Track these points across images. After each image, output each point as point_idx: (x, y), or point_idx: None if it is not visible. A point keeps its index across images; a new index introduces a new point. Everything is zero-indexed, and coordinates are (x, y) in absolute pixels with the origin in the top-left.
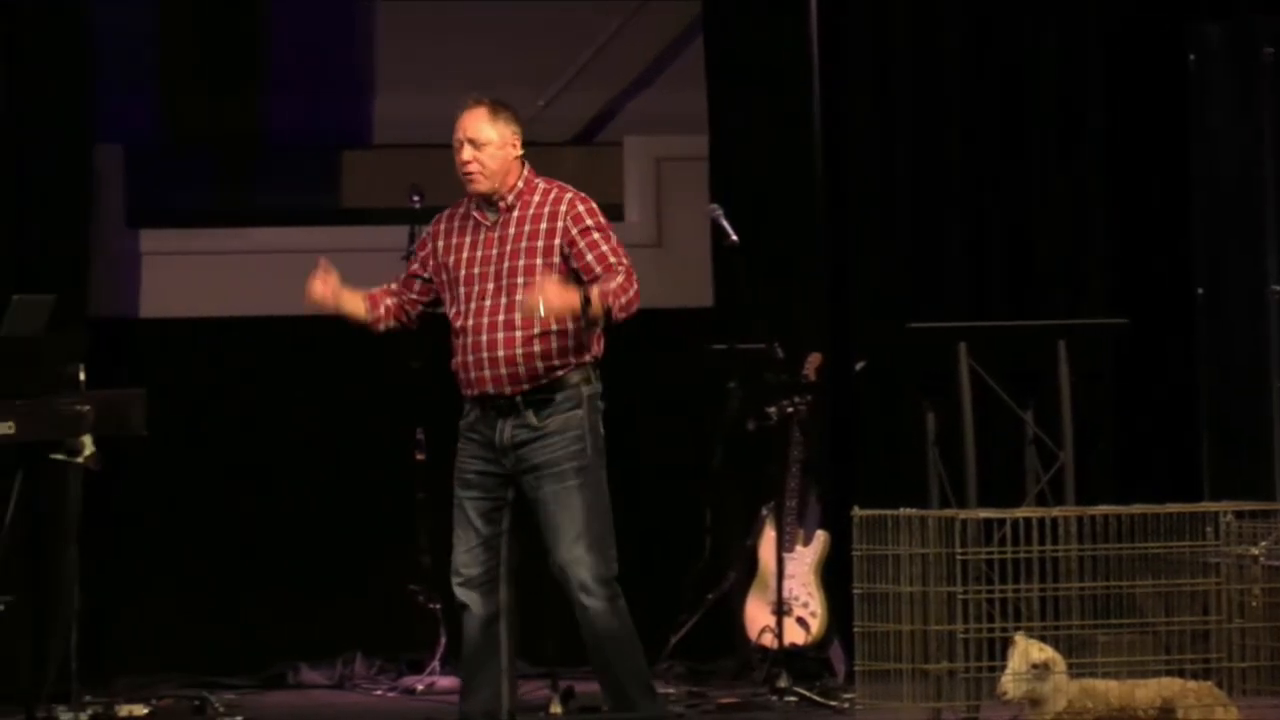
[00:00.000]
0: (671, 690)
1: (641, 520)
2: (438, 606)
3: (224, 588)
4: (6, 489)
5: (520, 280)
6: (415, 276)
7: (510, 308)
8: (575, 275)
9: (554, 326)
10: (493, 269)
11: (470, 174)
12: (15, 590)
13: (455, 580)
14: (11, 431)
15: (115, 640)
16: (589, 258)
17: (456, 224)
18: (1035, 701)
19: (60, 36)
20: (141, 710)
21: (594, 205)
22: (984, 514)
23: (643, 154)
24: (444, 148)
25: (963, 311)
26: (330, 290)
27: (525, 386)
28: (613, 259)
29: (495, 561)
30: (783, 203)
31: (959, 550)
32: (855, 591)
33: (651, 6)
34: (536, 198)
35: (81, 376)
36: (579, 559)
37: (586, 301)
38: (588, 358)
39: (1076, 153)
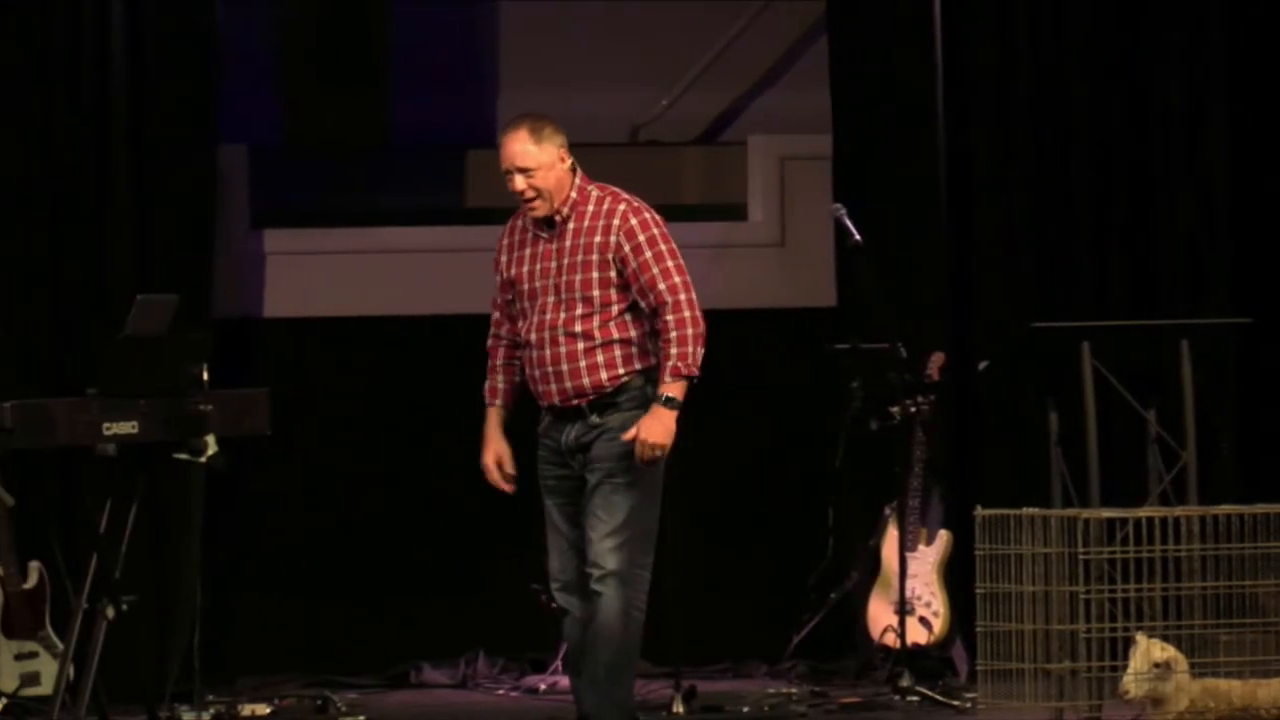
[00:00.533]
0: (794, 690)
1: (765, 520)
2: (560, 605)
3: (347, 587)
4: (130, 489)
5: (579, 294)
6: (505, 305)
7: (570, 321)
8: (627, 286)
9: (616, 335)
10: (551, 282)
11: (529, 202)
12: (139, 589)
13: (553, 586)
14: (135, 431)
15: (238, 639)
16: (642, 282)
17: (518, 236)
18: (1157, 701)
19: (185, 37)
20: (264, 709)
21: (646, 215)
22: (1106, 513)
23: (767, 153)
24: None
25: (1086, 311)
26: (506, 460)
27: (591, 396)
28: (663, 285)
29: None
30: (906, 202)
31: (1081, 550)
32: (978, 591)
33: (776, 6)
34: (590, 207)
35: (205, 376)
36: (609, 551)
37: (672, 398)
38: (653, 361)
39: (1199, 150)
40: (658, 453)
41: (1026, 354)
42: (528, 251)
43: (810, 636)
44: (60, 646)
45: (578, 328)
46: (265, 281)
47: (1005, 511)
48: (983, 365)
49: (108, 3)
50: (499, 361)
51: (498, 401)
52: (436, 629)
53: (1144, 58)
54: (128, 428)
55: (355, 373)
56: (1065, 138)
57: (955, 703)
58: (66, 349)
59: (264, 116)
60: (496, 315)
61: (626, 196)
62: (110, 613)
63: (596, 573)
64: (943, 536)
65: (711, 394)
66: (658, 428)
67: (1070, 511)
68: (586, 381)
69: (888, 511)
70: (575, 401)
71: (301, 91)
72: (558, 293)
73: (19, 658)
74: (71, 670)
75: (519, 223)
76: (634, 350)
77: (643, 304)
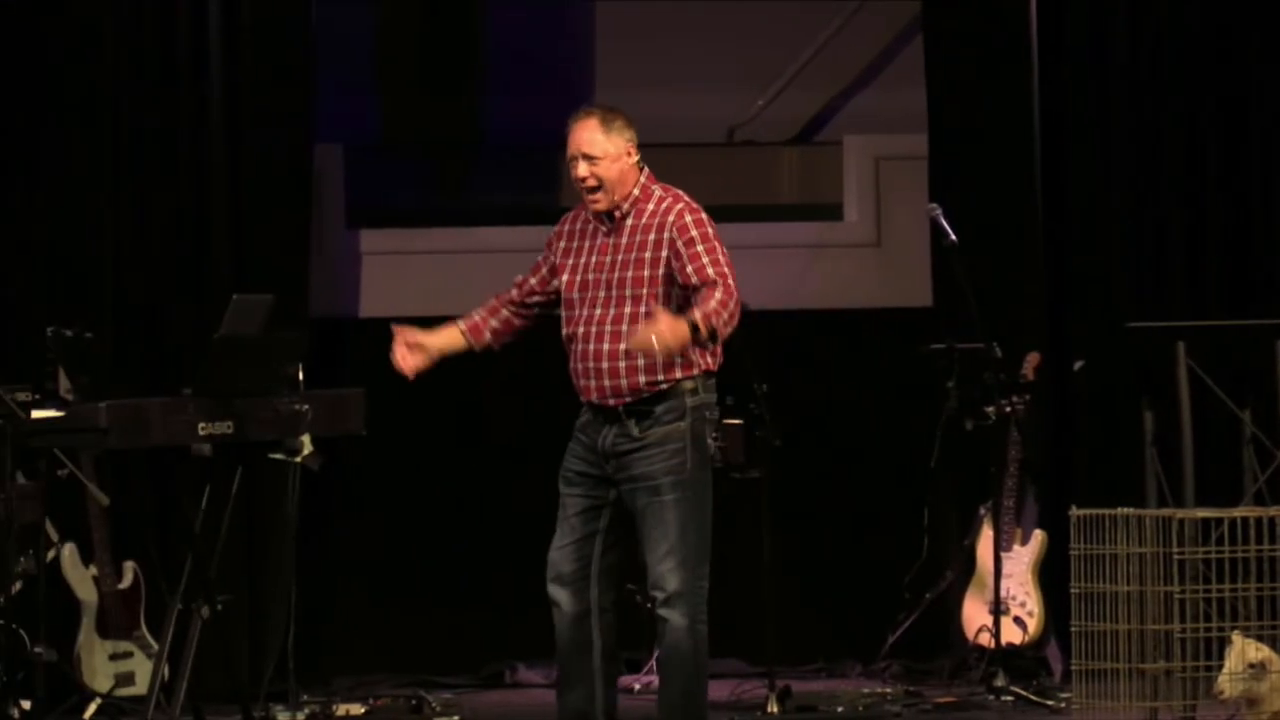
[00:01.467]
0: (889, 690)
1: (860, 520)
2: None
3: (442, 587)
4: (225, 488)
5: (629, 292)
6: (534, 274)
7: (618, 319)
8: (680, 286)
9: None
10: (604, 277)
11: (589, 189)
12: (233, 589)
13: (548, 575)
14: (231, 431)
15: (333, 639)
16: (689, 269)
17: (578, 226)
18: (1252, 701)
19: (281, 37)
20: (359, 709)
21: (702, 215)
22: (1201, 513)
23: (862, 153)
24: (662, 147)
25: (1181, 310)
26: (417, 354)
27: (628, 399)
28: (711, 270)
29: (588, 560)
30: (1002, 202)
31: (1176, 550)
32: (1072, 591)
33: (872, 5)
34: (650, 206)
35: (300, 376)
36: (669, 573)
37: (695, 328)
38: (695, 370)
39: None
40: (651, 339)
41: (1122, 353)
42: (585, 244)
43: (905, 636)
44: (155, 646)
45: (624, 326)
46: (361, 281)
47: (1100, 511)
48: (1078, 365)
49: (204, 2)
50: (490, 305)
51: (459, 325)
52: (531, 628)
53: (1242, 55)
54: (223, 428)
55: (450, 373)
56: (1162, 136)
57: (1049, 703)
58: (163, 349)
59: (360, 116)
60: (518, 277)
61: (686, 198)
62: (205, 612)
63: (660, 595)
64: (1037, 536)
65: (806, 393)
66: (671, 331)
67: (1165, 511)
68: (625, 382)
69: (983, 511)
70: (613, 402)
71: (398, 91)
72: (608, 289)
73: (114, 658)
74: (166, 670)
75: (584, 213)
76: (677, 358)
77: (684, 288)
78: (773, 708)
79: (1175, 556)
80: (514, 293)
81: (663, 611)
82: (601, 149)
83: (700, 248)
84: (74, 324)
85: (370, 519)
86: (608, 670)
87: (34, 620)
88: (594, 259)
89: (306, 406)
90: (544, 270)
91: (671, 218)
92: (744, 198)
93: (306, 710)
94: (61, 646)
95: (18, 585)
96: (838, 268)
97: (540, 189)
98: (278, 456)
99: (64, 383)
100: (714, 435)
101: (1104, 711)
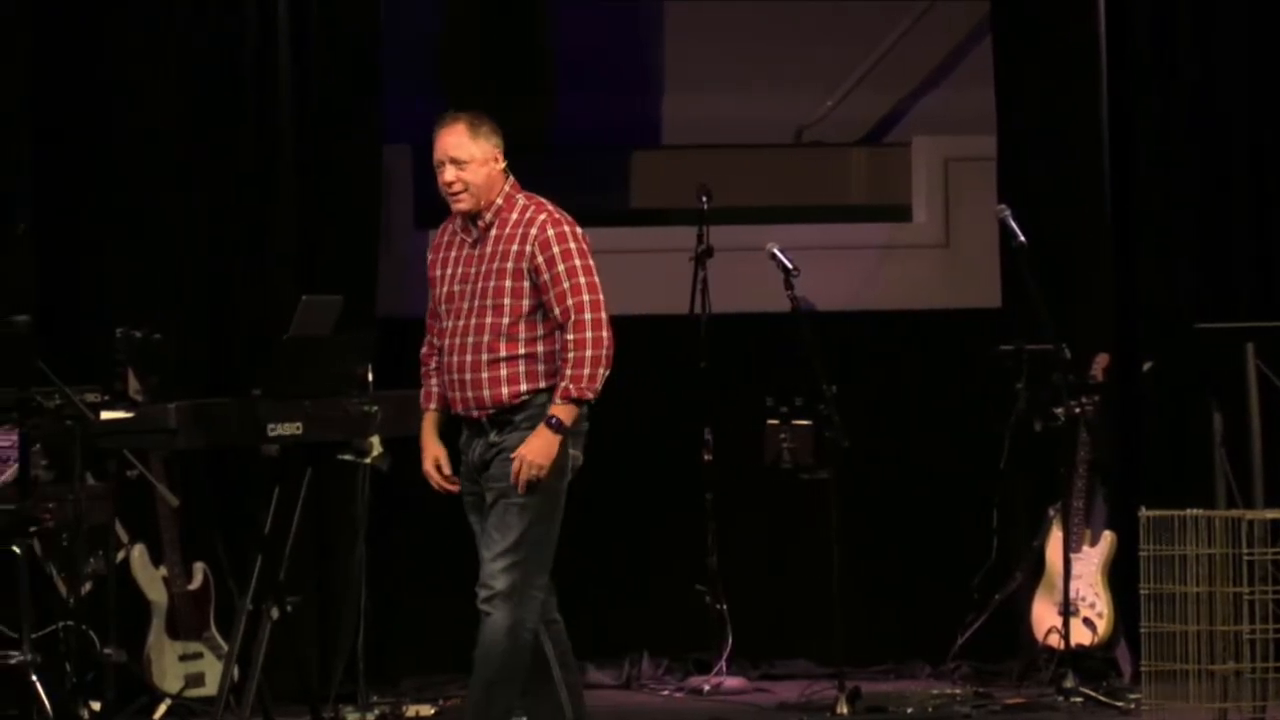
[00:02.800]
0: (958, 690)
1: (929, 521)
2: (725, 607)
3: None
4: (294, 489)
5: (490, 302)
6: (435, 301)
7: (480, 329)
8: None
9: (521, 350)
10: (469, 288)
11: (455, 194)
12: (303, 590)
13: (481, 593)
14: (299, 432)
15: (402, 640)
16: (554, 307)
17: (446, 238)
18: None
19: (350, 38)
20: (428, 711)
21: (566, 229)
22: (1270, 514)
23: (931, 154)
24: (733, 148)
25: (1250, 311)
26: (444, 463)
27: (490, 410)
28: (570, 301)
29: None
30: (1071, 203)
31: (1246, 551)
32: (1142, 592)
33: (941, 6)
34: (514, 215)
35: (369, 377)
36: (500, 572)
37: (558, 420)
38: (558, 380)
39: None
40: (534, 472)
41: (1190, 354)
42: (453, 254)
43: (974, 637)
44: (225, 647)
45: (485, 337)
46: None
47: (1169, 512)
48: (1147, 366)
49: (272, 4)
50: (431, 368)
51: (432, 405)
52: (601, 630)
53: None
54: (292, 428)
55: None
56: (1231, 136)
57: (1119, 704)
58: (231, 349)
59: (430, 116)
60: (429, 322)
61: (551, 208)
62: (275, 613)
63: (484, 593)
64: (1107, 537)
65: (874, 395)
66: (537, 446)
67: (1234, 512)
68: (487, 394)
69: (1052, 512)
70: (476, 414)
71: (466, 91)
72: (472, 299)
73: (184, 658)
74: (236, 671)
75: (451, 225)
76: (539, 367)
77: (552, 317)
78: (842, 709)
79: (1244, 557)
80: (437, 348)
81: (485, 607)
82: (468, 153)
83: (562, 268)
84: (143, 325)
85: (438, 520)
86: (569, 679)
87: (104, 621)
88: (459, 270)
89: (375, 407)
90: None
91: (534, 230)
92: (812, 198)
93: (376, 711)
94: (131, 647)
95: (88, 586)
96: (906, 269)
97: (608, 189)
98: (347, 457)
99: (133, 384)
100: (574, 452)
101: (1173, 713)
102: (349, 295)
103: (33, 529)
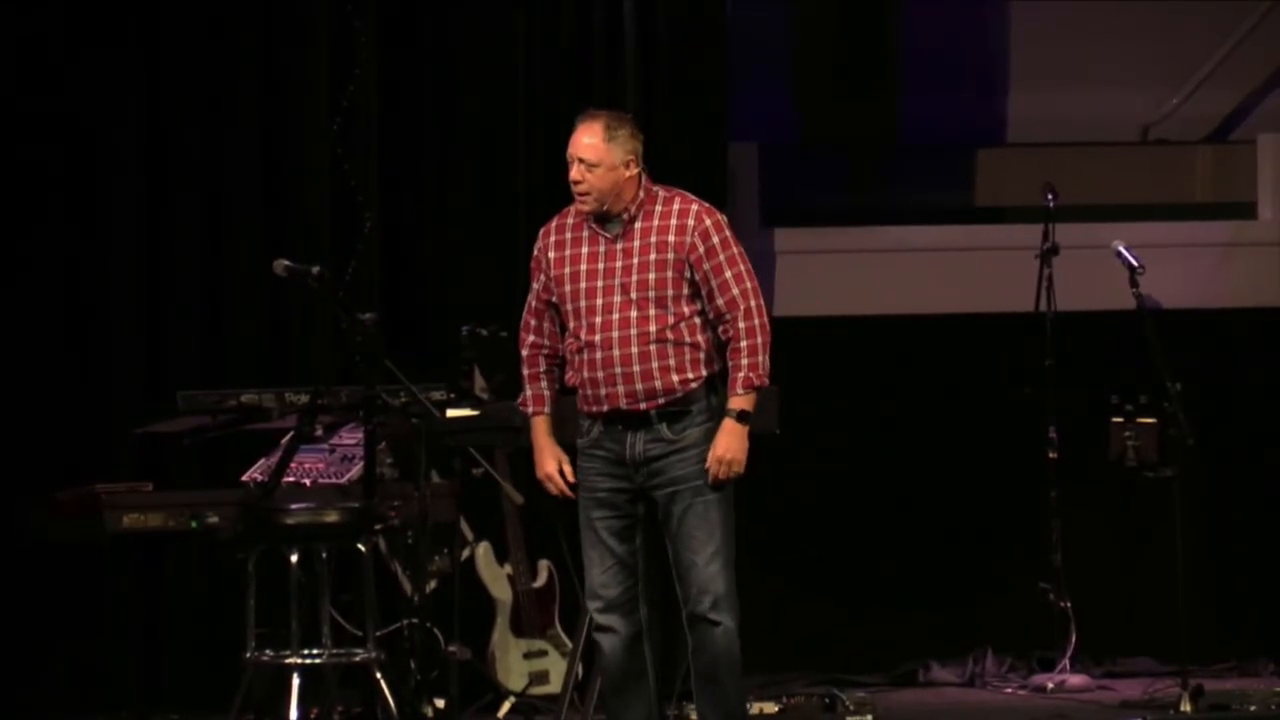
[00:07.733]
0: None
1: (1275, 517)
2: (1068, 604)
3: (855, 585)
4: None
5: (652, 294)
6: (546, 307)
7: (643, 321)
8: (697, 288)
9: (687, 339)
10: (618, 282)
11: (579, 193)
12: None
13: (594, 605)
14: None
15: (747, 638)
16: (717, 298)
17: (569, 235)
18: None
19: (697, 36)
20: (772, 707)
21: (720, 218)
22: None
23: (1277, 152)
24: (1079, 145)
25: None
26: (566, 465)
27: (661, 400)
28: (739, 298)
29: (633, 580)
30: None
31: None
32: None
33: None
34: (659, 207)
35: None
36: (718, 574)
37: (745, 412)
38: (717, 368)
39: None
40: (735, 470)
41: None
42: (584, 250)
43: None
44: (569, 645)
45: (651, 327)
46: (775, 280)
47: None
48: None
49: (619, 6)
50: (540, 369)
51: (545, 410)
52: (945, 627)
53: None
54: None
55: (864, 371)
56: None
57: None
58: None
59: (776, 115)
60: (533, 321)
61: (695, 198)
62: None
63: (708, 599)
64: None
65: (1219, 392)
66: (736, 445)
67: None
68: (659, 383)
69: None
70: (644, 405)
71: (814, 90)
72: (625, 292)
73: (528, 656)
74: (580, 669)
75: (567, 221)
76: (702, 355)
77: (709, 308)
78: (1185, 706)
79: None
80: (545, 351)
81: (714, 615)
82: (598, 156)
83: (722, 258)
84: (489, 323)
85: (784, 517)
86: (660, 689)
87: (449, 619)
88: (602, 265)
89: None
90: (549, 307)
91: (691, 220)
92: (1157, 196)
93: None
94: (476, 645)
95: (432, 584)
96: (1251, 267)
97: (955, 187)
98: None
99: (479, 381)
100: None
101: None
102: None
103: (378, 527)
